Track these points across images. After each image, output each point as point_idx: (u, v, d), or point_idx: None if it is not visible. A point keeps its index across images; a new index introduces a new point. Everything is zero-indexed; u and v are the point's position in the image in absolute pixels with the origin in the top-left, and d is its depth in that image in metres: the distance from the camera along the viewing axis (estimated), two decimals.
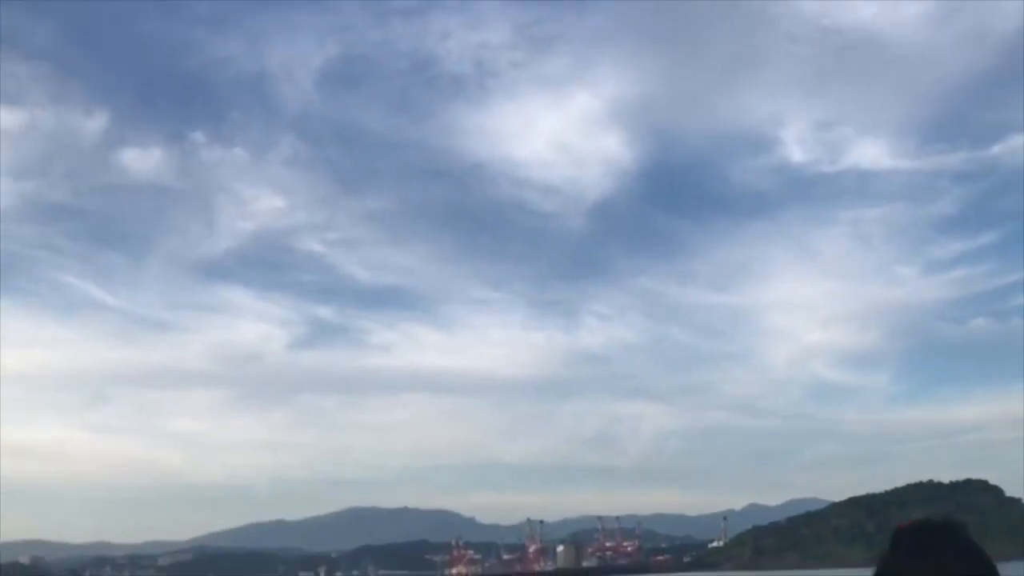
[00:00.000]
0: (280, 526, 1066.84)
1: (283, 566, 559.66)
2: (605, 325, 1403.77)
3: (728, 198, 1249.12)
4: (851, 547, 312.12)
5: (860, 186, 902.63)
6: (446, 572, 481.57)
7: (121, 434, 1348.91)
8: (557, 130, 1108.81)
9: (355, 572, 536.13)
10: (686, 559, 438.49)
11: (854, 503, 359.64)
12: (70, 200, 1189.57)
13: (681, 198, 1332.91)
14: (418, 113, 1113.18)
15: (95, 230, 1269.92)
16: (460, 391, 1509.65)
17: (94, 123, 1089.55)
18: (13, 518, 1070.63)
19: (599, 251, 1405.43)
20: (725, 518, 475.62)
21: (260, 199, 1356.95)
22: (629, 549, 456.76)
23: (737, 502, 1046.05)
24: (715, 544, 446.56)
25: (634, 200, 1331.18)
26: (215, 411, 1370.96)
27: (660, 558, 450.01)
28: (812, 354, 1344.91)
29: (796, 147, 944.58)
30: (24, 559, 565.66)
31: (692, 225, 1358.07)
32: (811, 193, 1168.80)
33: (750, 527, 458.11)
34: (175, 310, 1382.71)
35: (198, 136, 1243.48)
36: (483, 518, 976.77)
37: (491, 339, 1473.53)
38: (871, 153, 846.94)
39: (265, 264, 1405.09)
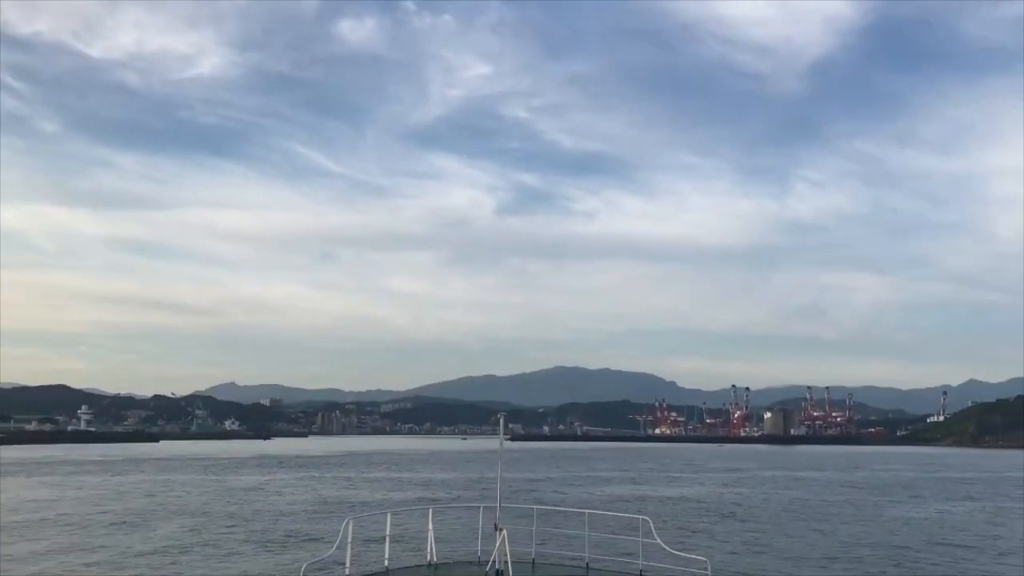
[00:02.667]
0: (490, 380, 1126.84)
1: (494, 417, 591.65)
2: (818, 192, 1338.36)
3: (959, 54, 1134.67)
4: None
5: None
6: (650, 431, 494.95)
7: (346, 292, 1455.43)
8: None
9: (561, 426, 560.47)
10: (901, 432, 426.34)
11: None
12: (293, 71, 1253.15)
13: (907, 55, 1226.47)
14: None
15: (317, 99, 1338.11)
16: (663, 258, 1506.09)
17: None
18: (254, 365, 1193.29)
19: (814, 114, 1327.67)
20: (945, 393, 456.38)
21: (468, 66, 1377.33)
22: (839, 420, 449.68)
23: (954, 378, 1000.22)
24: (934, 419, 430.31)
25: (855, 58, 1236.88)
26: (430, 272, 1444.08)
27: (872, 430, 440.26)
28: None
29: None
30: (265, 401, 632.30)
31: (918, 83, 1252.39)
32: None
33: (968, 404, 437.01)
34: (392, 176, 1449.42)
35: (408, 4, 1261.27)
36: (684, 383, 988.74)
37: (696, 206, 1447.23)
38: None
39: (473, 131, 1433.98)
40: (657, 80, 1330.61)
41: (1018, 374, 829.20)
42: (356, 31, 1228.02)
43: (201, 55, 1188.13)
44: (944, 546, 43.60)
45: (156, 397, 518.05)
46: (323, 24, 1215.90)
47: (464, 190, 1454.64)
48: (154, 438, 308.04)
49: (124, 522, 50.95)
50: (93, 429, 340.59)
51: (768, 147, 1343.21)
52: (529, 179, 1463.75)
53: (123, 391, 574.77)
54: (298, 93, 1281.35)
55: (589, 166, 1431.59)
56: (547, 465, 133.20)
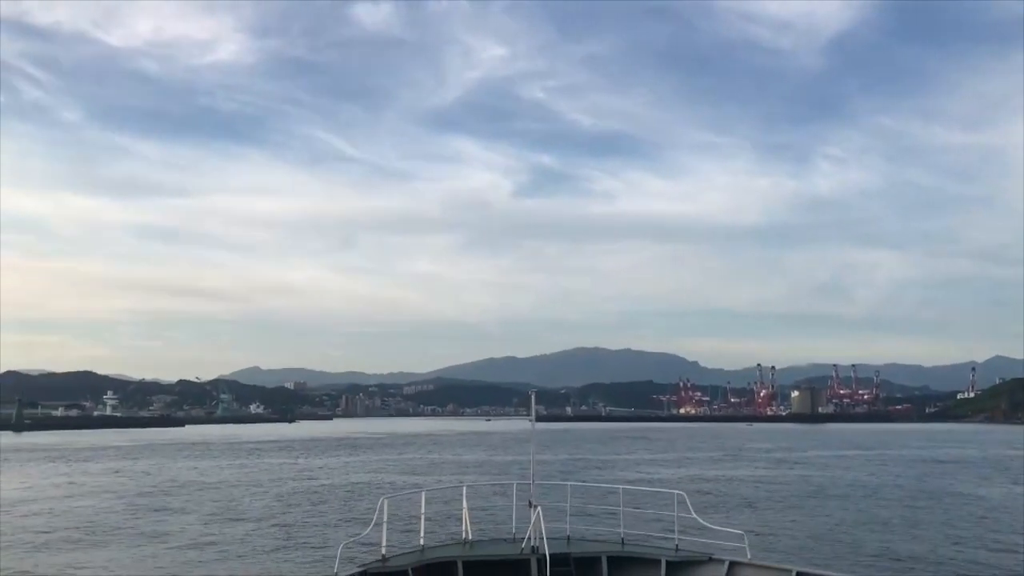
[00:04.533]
0: (511, 362, 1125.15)
1: (516, 398, 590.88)
2: (839, 168, 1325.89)
3: (986, 26, 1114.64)
4: None
5: None
6: (674, 411, 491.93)
7: (367, 275, 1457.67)
8: None
9: (583, 407, 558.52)
10: (929, 410, 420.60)
11: None
12: (309, 55, 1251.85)
13: (930, 28, 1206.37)
14: None
15: (334, 84, 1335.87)
16: (683, 238, 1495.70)
17: None
18: (277, 349, 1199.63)
19: (834, 89, 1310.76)
20: (973, 369, 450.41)
21: (484, 48, 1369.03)
22: (866, 397, 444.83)
23: (979, 354, 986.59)
24: (963, 395, 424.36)
25: (876, 32, 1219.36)
26: (449, 255, 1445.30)
27: (900, 407, 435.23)
28: None
29: None
30: (289, 384, 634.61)
31: (941, 57, 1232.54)
32: None
33: (996, 380, 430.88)
34: (410, 160, 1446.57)
35: None
36: (706, 362, 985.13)
37: (716, 185, 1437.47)
38: None
39: (490, 113, 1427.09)
40: (675, 58, 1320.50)
41: None
42: (372, 14, 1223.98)
43: (219, 41, 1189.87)
44: None
45: (181, 382, 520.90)
46: (339, 8, 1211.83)
47: (482, 173, 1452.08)
48: (180, 422, 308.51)
49: (164, 508, 49.32)
50: (119, 414, 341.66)
51: (788, 124, 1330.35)
52: (547, 160, 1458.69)
53: (148, 376, 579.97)
54: (315, 78, 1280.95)
55: (608, 146, 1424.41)
56: (577, 447, 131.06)
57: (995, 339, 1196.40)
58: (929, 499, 53.55)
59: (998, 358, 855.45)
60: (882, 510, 47.14)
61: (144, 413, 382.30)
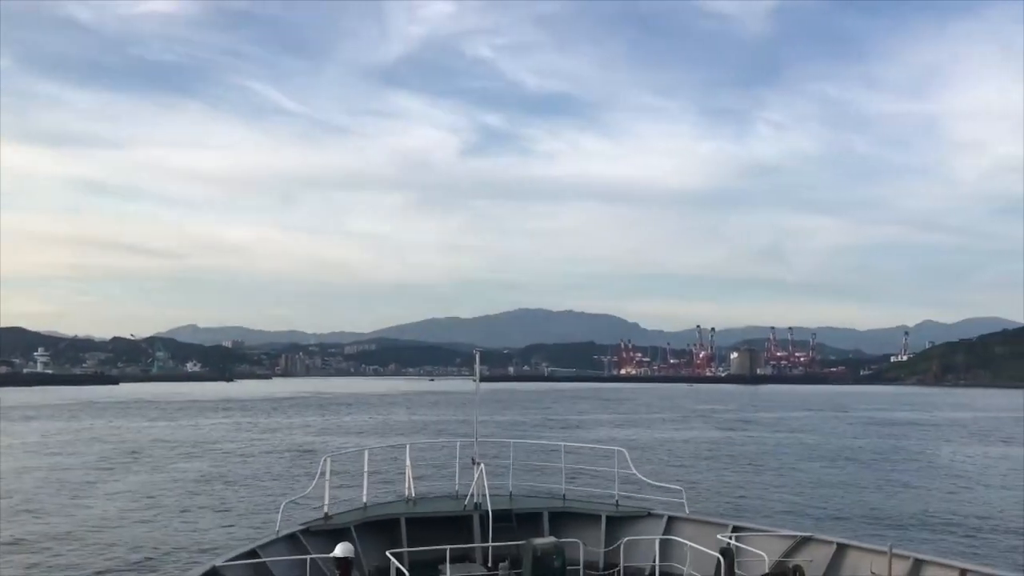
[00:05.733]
0: (454, 322, 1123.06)
1: (459, 358, 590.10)
2: (780, 134, 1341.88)
3: None
4: None
5: None
6: (615, 372, 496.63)
7: (309, 234, 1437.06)
8: None
9: (526, 367, 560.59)
10: (864, 372, 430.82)
11: None
12: (251, 7, 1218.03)
13: None
14: None
15: (276, 36, 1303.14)
16: (626, 200, 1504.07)
17: None
18: (215, 307, 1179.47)
19: (778, 55, 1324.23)
20: (907, 333, 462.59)
21: (430, 3, 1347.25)
22: (803, 360, 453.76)
23: (910, 318, 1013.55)
24: (896, 358, 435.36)
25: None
26: (394, 214, 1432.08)
27: (835, 370, 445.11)
28: (1005, 167, 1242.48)
29: None
30: (227, 343, 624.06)
31: (884, 24, 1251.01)
32: None
33: (926, 344, 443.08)
34: (354, 115, 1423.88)
35: None
36: (647, 324, 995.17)
37: (658, 148, 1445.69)
38: None
39: (435, 70, 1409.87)
40: (623, 19, 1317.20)
41: (973, 314, 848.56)
42: None
43: None
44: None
45: (115, 339, 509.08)
46: None
47: (427, 130, 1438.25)
48: (114, 380, 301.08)
49: (101, 469, 46.51)
50: (51, 371, 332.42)
51: (731, 89, 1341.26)
52: (492, 119, 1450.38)
53: (81, 333, 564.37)
54: (256, 30, 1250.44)
55: (552, 106, 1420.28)
56: (524, 408, 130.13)
57: (925, 304, 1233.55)
58: (905, 460, 53.85)
59: (928, 322, 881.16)
60: (865, 472, 47.11)
61: (77, 371, 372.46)
